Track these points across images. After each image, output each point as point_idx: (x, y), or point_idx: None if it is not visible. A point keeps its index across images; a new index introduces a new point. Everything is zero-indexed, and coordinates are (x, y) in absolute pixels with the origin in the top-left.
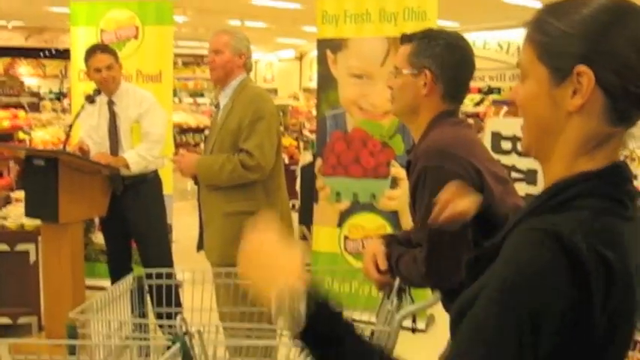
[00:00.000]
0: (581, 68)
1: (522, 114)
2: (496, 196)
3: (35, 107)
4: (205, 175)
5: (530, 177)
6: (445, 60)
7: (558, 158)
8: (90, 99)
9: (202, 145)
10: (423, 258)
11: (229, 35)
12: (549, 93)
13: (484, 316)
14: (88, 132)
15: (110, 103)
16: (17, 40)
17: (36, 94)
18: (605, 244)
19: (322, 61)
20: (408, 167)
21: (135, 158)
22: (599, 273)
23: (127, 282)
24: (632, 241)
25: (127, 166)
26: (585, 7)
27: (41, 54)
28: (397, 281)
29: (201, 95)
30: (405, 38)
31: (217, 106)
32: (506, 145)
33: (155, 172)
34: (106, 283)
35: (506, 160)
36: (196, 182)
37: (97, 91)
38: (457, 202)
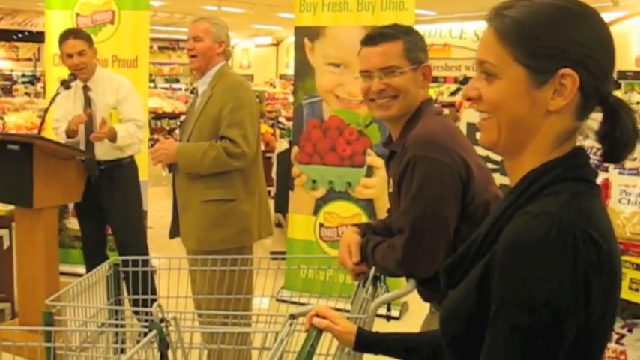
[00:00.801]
0: (567, 71)
1: (493, 112)
2: (480, 186)
3: (8, 91)
4: (186, 162)
5: (504, 168)
6: (427, 52)
7: (531, 153)
8: (65, 84)
9: (177, 131)
10: (402, 243)
11: (209, 23)
12: (528, 93)
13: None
14: (65, 116)
15: (85, 89)
16: None
17: (9, 78)
18: (592, 225)
19: (299, 48)
20: (390, 157)
21: (123, 132)
22: (591, 255)
23: (103, 269)
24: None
25: (114, 139)
26: (561, 11)
27: (14, 37)
28: (372, 270)
29: (177, 81)
30: (386, 37)
31: (194, 92)
32: None
33: (131, 158)
34: (80, 269)
35: (480, 150)
36: (170, 170)
37: (73, 76)
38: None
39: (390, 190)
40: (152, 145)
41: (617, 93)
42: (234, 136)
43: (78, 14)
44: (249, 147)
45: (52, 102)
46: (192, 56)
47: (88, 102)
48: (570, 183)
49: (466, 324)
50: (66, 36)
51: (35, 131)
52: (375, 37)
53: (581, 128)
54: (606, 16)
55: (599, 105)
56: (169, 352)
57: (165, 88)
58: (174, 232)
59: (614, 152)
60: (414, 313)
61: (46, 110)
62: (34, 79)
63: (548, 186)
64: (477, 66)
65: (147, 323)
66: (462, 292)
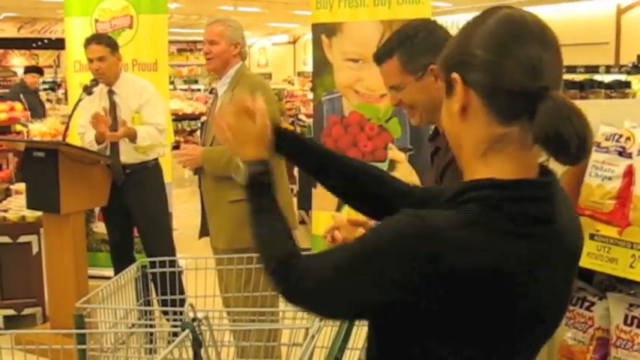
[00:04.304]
0: (453, 75)
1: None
2: None
3: None
4: (212, 166)
5: None
6: (438, 46)
7: (464, 164)
8: (87, 90)
9: (198, 132)
10: None
11: (224, 25)
12: (445, 105)
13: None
14: (89, 120)
15: (110, 93)
16: (10, 32)
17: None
18: (456, 248)
19: (317, 45)
20: (435, 152)
21: (143, 134)
22: (436, 270)
23: (132, 271)
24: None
25: (134, 138)
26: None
27: (34, 44)
28: None
29: (195, 82)
30: (384, 55)
31: (213, 92)
32: None
33: (156, 161)
34: (108, 272)
35: None
36: (195, 172)
37: (95, 82)
38: None
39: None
40: (175, 148)
41: (639, 77)
42: None
43: (97, 20)
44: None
45: (75, 108)
46: (209, 59)
47: (113, 106)
48: (480, 207)
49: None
50: (89, 41)
51: (59, 137)
52: (376, 56)
53: (527, 139)
54: (625, 0)
55: (537, 104)
56: (202, 351)
57: (185, 90)
58: (204, 232)
59: (554, 152)
60: None
61: (70, 116)
62: (54, 86)
63: (464, 203)
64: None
65: (176, 323)
66: None
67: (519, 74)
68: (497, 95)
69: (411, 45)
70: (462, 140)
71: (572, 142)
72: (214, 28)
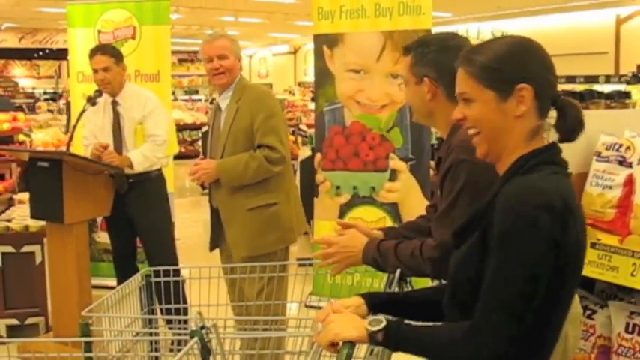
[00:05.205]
0: (523, 85)
1: (478, 128)
2: None
3: (31, 108)
4: (229, 177)
5: None
6: (440, 64)
7: (511, 151)
8: (91, 100)
9: (200, 142)
10: (439, 244)
11: (229, 40)
12: (498, 107)
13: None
14: (93, 131)
15: (114, 104)
16: (11, 42)
17: (31, 96)
18: (568, 195)
19: (319, 56)
20: (438, 163)
21: (139, 158)
22: (566, 216)
23: (136, 280)
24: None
25: (130, 166)
26: (506, 48)
27: (35, 55)
28: (398, 271)
29: (196, 92)
30: (405, 50)
31: (213, 103)
32: None
33: (159, 171)
34: (110, 282)
35: None
36: (204, 186)
37: (98, 92)
38: None
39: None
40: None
41: (638, 87)
42: (272, 142)
43: (100, 31)
44: (287, 150)
45: (79, 118)
46: (219, 73)
47: (116, 117)
48: (551, 166)
49: (474, 271)
50: (94, 52)
51: (62, 147)
52: (404, 49)
53: (545, 124)
54: (624, 11)
55: (552, 105)
56: (210, 358)
57: (186, 100)
58: (214, 244)
59: (567, 135)
60: None
61: (74, 127)
62: (55, 96)
63: (533, 167)
64: (458, 97)
65: (179, 331)
66: (468, 247)
67: (554, 87)
68: (546, 100)
69: (421, 53)
70: (512, 133)
71: (580, 128)
72: (222, 42)
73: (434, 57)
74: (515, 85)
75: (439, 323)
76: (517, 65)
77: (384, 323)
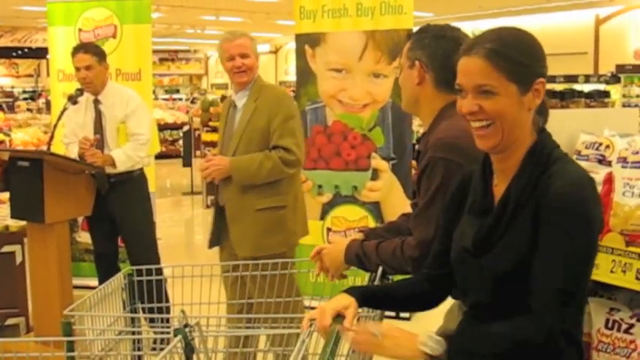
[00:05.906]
0: (541, 80)
1: (496, 120)
2: None
3: (10, 108)
4: (242, 175)
5: None
6: (433, 50)
7: (520, 142)
8: (72, 99)
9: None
10: (419, 242)
11: (249, 39)
12: (519, 100)
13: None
14: (74, 130)
15: (96, 102)
16: None
17: (10, 95)
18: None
19: (301, 55)
20: (417, 157)
21: (122, 157)
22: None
23: (119, 279)
24: None
25: (113, 165)
26: (525, 42)
27: (14, 54)
28: (380, 268)
29: (177, 91)
30: (408, 36)
31: (229, 104)
32: None
33: (141, 170)
34: (92, 282)
35: None
36: (212, 184)
37: (80, 91)
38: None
39: None
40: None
41: (617, 87)
42: (289, 144)
43: (80, 30)
44: (302, 153)
45: (59, 117)
46: (242, 72)
47: (98, 115)
48: (557, 149)
49: (516, 263)
50: (76, 50)
51: (42, 147)
52: (409, 34)
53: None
54: (603, 11)
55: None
56: (194, 357)
57: (166, 99)
58: (215, 241)
59: (545, 119)
60: (423, 313)
61: (54, 126)
62: (35, 95)
63: (549, 153)
64: (472, 88)
65: (162, 330)
66: (514, 240)
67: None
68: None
69: (418, 38)
70: (523, 126)
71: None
72: (243, 41)
73: (428, 42)
74: (536, 79)
75: (495, 329)
76: (541, 61)
77: (445, 347)
